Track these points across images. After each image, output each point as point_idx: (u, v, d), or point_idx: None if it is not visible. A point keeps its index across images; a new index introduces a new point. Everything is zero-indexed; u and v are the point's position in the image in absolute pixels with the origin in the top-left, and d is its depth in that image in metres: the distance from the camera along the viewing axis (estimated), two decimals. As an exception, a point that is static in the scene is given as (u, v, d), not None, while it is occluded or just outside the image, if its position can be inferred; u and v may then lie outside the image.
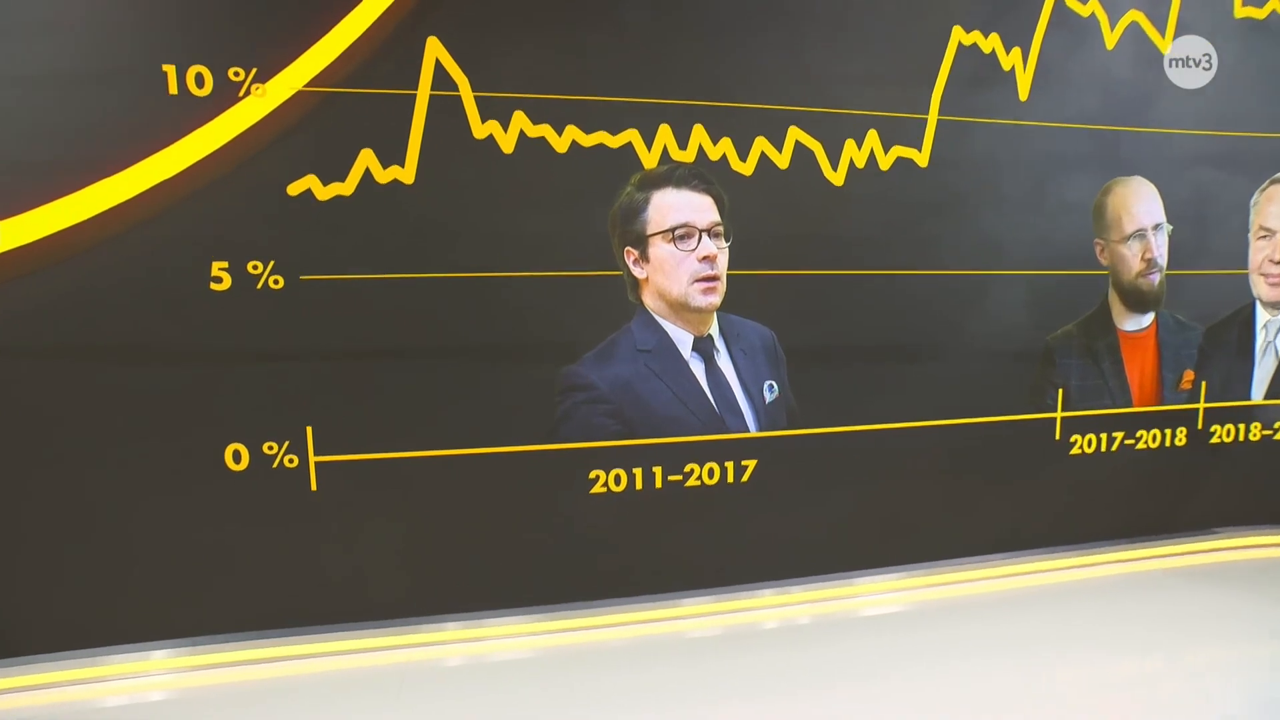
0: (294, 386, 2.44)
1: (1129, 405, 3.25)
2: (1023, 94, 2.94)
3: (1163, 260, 3.18)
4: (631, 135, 2.59)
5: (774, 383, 2.83)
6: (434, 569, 2.66)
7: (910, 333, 2.95)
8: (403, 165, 2.44)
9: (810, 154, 2.76)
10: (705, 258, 2.64)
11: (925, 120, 2.85)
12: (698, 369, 2.74)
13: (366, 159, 2.41)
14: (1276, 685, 2.41)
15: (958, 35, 2.85)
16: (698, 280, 2.65)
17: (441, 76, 2.44)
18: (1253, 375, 3.37)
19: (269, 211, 2.37)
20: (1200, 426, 3.34)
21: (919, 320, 2.95)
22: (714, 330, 2.75)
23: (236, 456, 2.43)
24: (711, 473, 2.80)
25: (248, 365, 2.41)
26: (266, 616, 2.55)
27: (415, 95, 2.43)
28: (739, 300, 2.73)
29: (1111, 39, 3.02)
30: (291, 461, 2.46)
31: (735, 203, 2.69)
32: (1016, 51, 2.92)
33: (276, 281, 2.39)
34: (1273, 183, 3.27)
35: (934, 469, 3.04)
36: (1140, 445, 3.28)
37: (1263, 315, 3.34)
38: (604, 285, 2.63)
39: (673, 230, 2.62)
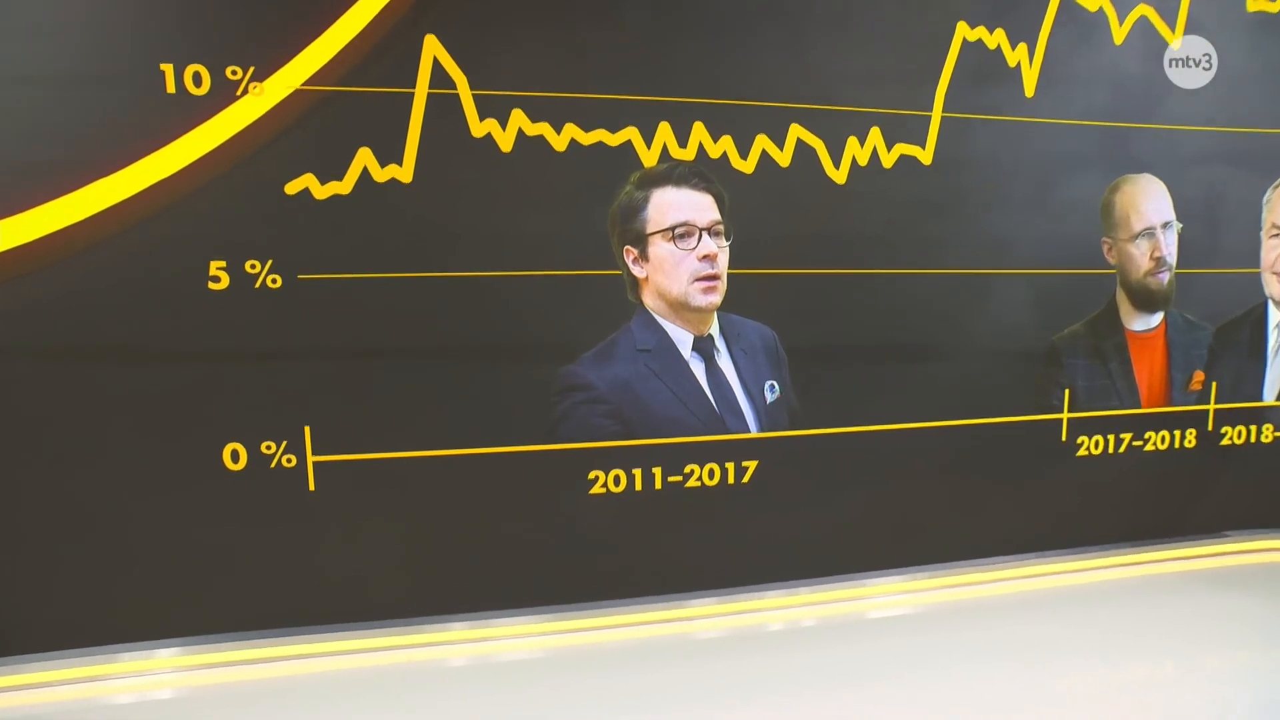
0: (292, 386, 2.44)
1: (1137, 406, 3.21)
2: (1029, 90, 2.91)
3: (1172, 259, 3.14)
4: (631, 133, 2.58)
5: (775, 383, 2.80)
6: (432, 569, 2.65)
7: (914, 332, 2.92)
8: (400, 164, 2.43)
9: (812, 152, 2.73)
10: (705, 256, 2.62)
11: (929, 117, 2.82)
12: (698, 369, 2.72)
13: (364, 158, 2.40)
14: (1287, 692, 2.38)
15: (962, 31, 2.82)
16: (698, 279, 2.63)
17: (439, 75, 2.43)
18: (1264, 376, 3.32)
19: (267, 211, 2.36)
20: (1210, 428, 3.29)
21: (923, 320, 2.92)
22: (714, 330, 2.73)
23: (234, 456, 2.43)
24: (712, 474, 2.78)
25: (245, 365, 2.41)
26: (264, 616, 2.55)
27: (413, 94, 2.42)
28: (740, 299, 2.71)
29: (1120, 34, 2.98)
30: (289, 461, 2.46)
31: (736, 201, 2.66)
32: (1022, 47, 2.88)
33: (274, 281, 2.39)
34: (1286, 179, 3.23)
35: (938, 471, 3.01)
36: (1149, 447, 3.24)
37: (1275, 315, 3.29)
38: (603, 284, 2.61)
39: (672, 229, 2.60)
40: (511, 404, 2.60)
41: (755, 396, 2.79)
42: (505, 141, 2.50)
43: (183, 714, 2.30)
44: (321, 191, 2.39)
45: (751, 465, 2.81)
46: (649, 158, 2.60)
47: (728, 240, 2.66)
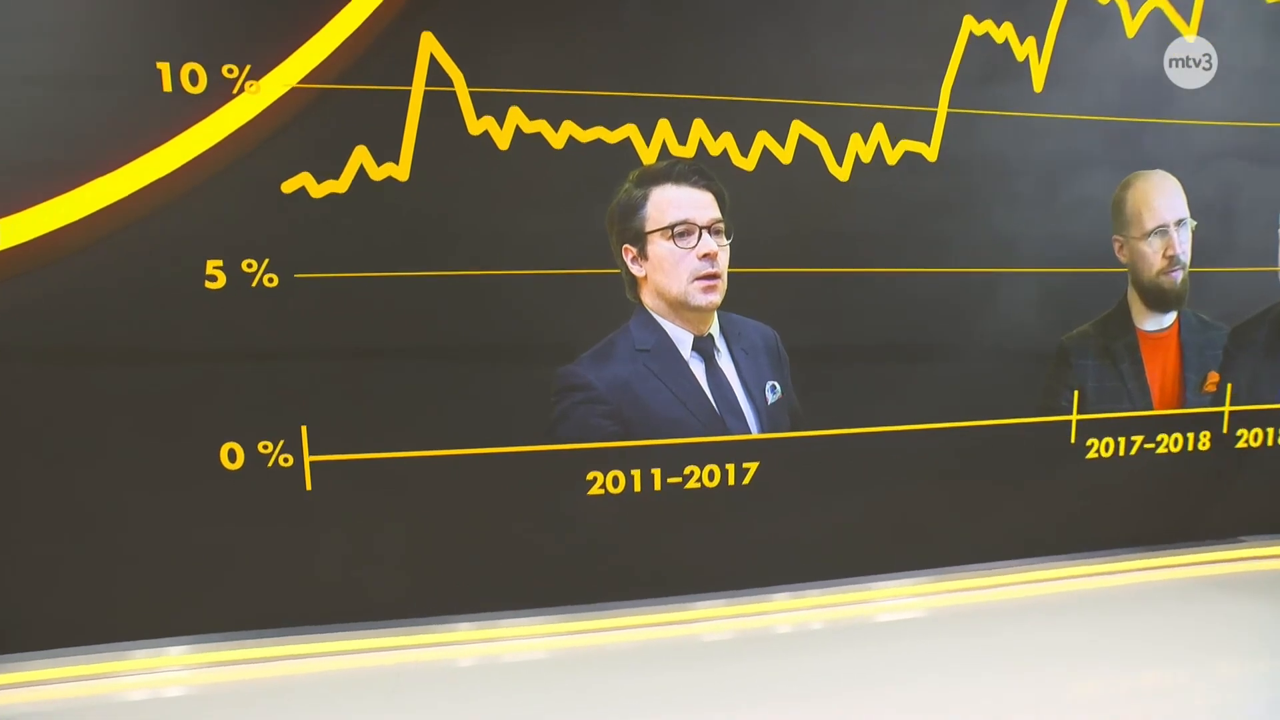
0: (289, 385, 2.44)
1: (1149, 408, 3.15)
2: (1037, 85, 2.85)
3: (1185, 257, 3.07)
4: (630, 130, 2.55)
5: (776, 383, 2.77)
6: (431, 569, 2.64)
7: (918, 332, 2.88)
8: (397, 162, 2.42)
9: (814, 148, 2.69)
10: (705, 255, 2.59)
11: (934, 113, 2.77)
12: (698, 369, 2.69)
13: (361, 156, 2.39)
14: (1302, 701, 2.33)
15: (969, 25, 2.77)
16: (698, 278, 2.60)
17: (436, 72, 2.42)
18: (1282, 377, 3.26)
19: (263, 210, 2.36)
20: (1225, 430, 3.22)
21: (927, 319, 2.87)
22: (714, 329, 2.70)
23: (232, 455, 2.43)
24: (712, 475, 2.75)
25: (242, 364, 2.41)
26: (260, 616, 2.55)
27: (410, 91, 2.41)
28: (740, 299, 2.68)
29: (1132, 27, 2.92)
30: (286, 461, 2.46)
31: (736, 199, 2.63)
32: (1031, 41, 2.83)
33: (271, 280, 2.38)
34: (1304, 175, 3.16)
35: (943, 474, 2.97)
36: (1161, 449, 3.18)
37: (1292, 314, 3.22)
38: (602, 284, 2.59)
39: (672, 227, 2.57)
40: (510, 404, 2.58)
41: (756, 397, 2.75)
42: (502, 139, 2.48)
43: (183, 713, 2.31)
44: (318, 190, 2.38)
45: (752, 467, 2.78)
46: (648, 155, 2.58)
47: (728, 239, 2.63)
